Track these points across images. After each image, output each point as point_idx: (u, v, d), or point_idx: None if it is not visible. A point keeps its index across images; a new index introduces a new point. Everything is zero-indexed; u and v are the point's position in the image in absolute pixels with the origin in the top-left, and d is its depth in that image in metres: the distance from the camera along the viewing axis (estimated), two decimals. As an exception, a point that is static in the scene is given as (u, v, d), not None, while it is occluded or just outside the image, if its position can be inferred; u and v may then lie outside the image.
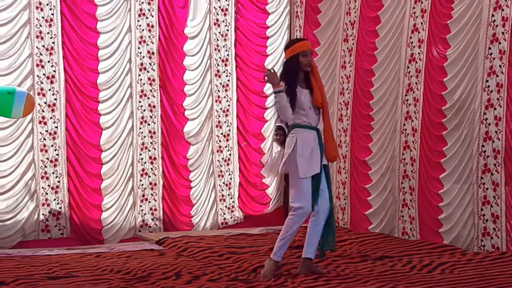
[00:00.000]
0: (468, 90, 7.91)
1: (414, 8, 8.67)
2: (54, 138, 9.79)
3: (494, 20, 7.59)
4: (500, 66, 7.52)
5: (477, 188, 7.78)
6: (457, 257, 7.30)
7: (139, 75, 10.27)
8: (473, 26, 7.86)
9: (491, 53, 7.61)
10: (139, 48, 10.27)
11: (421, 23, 8.54)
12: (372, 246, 8.24)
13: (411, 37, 8.70)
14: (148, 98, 10.33)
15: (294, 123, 6.66)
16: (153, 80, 10.36)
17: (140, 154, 10.30)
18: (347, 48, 9.78)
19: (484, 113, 7.69)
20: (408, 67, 8.76)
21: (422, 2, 8.53)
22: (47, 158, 9.76)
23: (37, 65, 9.68)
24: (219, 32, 10.79)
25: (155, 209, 10.37)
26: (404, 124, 8.82)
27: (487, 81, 7.66)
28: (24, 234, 9.61)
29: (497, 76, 7.54)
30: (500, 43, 7.52)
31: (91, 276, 6.91)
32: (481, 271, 6.64)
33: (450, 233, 8.11)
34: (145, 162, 10.33)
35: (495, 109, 7.57)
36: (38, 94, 9.64)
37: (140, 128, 10.30)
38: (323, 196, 6.62)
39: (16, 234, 9.53)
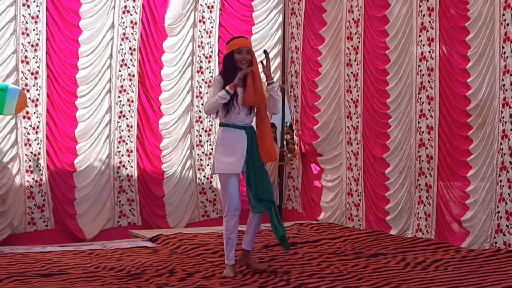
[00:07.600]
0: (489, 89, 7.93)
1: (420, 6, 8.73)
2: (37, 133, 9.82)
3: (505, 19, 7.66)
4: None
5: (496, 185, 7.81)
6: (451, 254, 7.40)
7: (120, 71, 10.28)
8: (489, 25, 7.89)
9: (504, 52, 7.68)
10: (121, 44, 10.27)
11: (429, 21, 8.60)
12: (366, 243, 8.31)
13: (419, 36, 8.76)
14: (128, 93, 10.34)
15: (220, 122, 6.75)
16: (133, 75, 10.38)
17: (118, 147, 10.33)
18: (352, 46, 9.82)
19: (501, 112, 7.74)
20: (419, 65, 8.80)
21: (428, 0, 8.60)
22: (31, 152, 9.77)
23: (22, 61, 9.67)
24: (204, 29, 10.81)
25: (132, 200, 10.43)
26: (419, 122, 8.84)
27: (502, 79, 7.72)
28: (13, 227, 9.62)
29: (511, 75, 7.61)
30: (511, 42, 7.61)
31: (84, 274, 6.91)
32: (475, 268, 6.75)
33: (473, 229, 8.09)
34: (122, 155, 10.37)
35: (510, 107, 7.63)
36: (22, 89, 9.57)
37: (119, 122, 10.32)
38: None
39: (5, 229, 9.52)
